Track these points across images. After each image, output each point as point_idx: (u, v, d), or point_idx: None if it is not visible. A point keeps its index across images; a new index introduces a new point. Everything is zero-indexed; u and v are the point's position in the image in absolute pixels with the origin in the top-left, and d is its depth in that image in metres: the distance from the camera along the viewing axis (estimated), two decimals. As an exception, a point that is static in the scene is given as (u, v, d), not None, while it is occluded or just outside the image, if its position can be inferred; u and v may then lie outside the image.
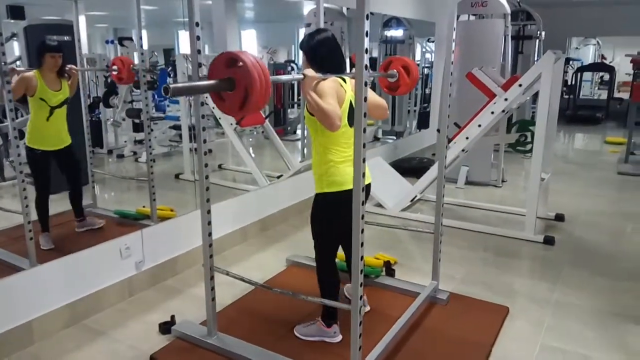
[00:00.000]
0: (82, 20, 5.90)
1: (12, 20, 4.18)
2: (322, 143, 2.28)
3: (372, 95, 2.44)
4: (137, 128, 6.74)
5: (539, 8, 7.88)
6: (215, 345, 2.37)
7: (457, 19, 5.44)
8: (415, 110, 8.81)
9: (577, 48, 13.92)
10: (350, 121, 2.28)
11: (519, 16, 7.28)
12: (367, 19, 1.69)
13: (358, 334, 1.96)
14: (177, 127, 7.01)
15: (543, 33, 7.31)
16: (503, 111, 3.97)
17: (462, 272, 3.39)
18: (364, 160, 1.80)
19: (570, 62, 11.84)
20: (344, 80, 2.30)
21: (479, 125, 4.01)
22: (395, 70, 2.83)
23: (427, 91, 8.90)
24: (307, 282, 2.77)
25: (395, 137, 7.97)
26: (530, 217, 3.90)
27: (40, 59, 3.28)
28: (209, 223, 2.31)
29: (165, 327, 2.56)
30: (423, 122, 8.55)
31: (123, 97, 7.55)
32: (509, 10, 5.26)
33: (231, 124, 5.30)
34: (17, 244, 2.81)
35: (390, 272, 3.28)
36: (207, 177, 2.24)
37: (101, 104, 6.44)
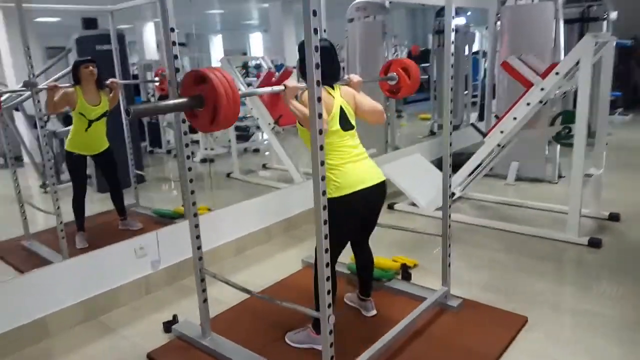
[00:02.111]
0: (150, 26, 6.23)
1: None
2: None
3: (364, 100, 2.40)
4: (193, 129, 7.05)
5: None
6: (207, 347, 2.41)
7: (504, 4, 5.12)
8: (474, 103, 8.40)
9: None
10: (343, 125, 2.26)
11: (584, -3, 6.65)
12: (315, 15, 1.61)
13: (329, 343, 1.89)
14: (237, 128, 7.23)
15: (614, 13, 6.62)
16: (540, 102, 3.65)
17: (486, 277, 3.17)
18: (322, 163, 1.72)
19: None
20: (332, 87, 2.29)
21: (514, 118, 3.72)
22: (394, 73, 2.77)
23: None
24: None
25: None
26: (573, 217, 3.55)
27: (77, 73, 3.51)
28: (196, 226, 2.34)
29: (168, 326, 2.63)
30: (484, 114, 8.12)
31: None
32: (559, -9, 4.83)
33: (269, 124, 5.36)
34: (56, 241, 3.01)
35: (406, 275, 3.14)
36: (191, 181, 2.27)
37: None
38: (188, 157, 2.25)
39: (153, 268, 3.11)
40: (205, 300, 2.43)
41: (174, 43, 2.12)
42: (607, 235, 3.69)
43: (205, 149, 6.82)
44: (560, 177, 5.24)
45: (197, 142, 6.90)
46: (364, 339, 2.38)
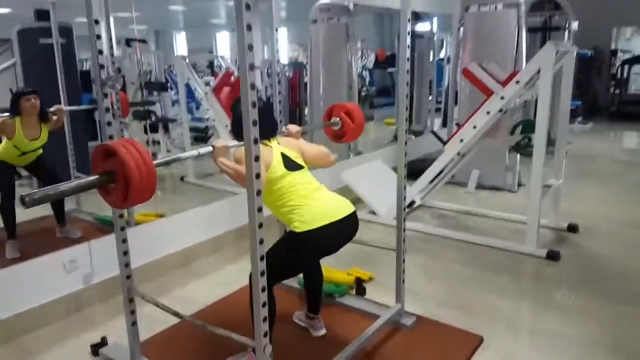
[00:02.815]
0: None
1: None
2: (272, 202, 2.10)
3: (308, 146, 2.31)
4: (153, 129, 6.74)
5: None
6: (136, 374, 2.18)
7: (467, 10, 5.05)
8: (438, 109, 8.37)
9: (628, 39, 12.86)
10: (288, 167, 2.11)
11: (545, 6, 6.69)
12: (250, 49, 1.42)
13: (264, 374, 1.70)
14: (195, 129, 6.94)
15: (575, 23, 6.68)
16: (501, 110, 3.56)
17: (443, 291, 3.04)
18: (260, 226, 1.54)
19: (618, 54, 10.96)
20: (269, 140, 2.15)
21: (474, 127, 3.62)
22: (337, 118, 2.63)
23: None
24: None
25: (414, 137, 7.57)
26: (532, 228, 3.47)
27: (17, 105, 3.23)
28: (124, 240, 2.11)
29: (96, 350, 2.39)
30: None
31: (131, 99, 7.57)
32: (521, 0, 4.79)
33: (226, 126, 5.15)
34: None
35: (360, 290, 2.98)
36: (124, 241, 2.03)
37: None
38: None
39: (85, 282, 2.84)
40: (134, 323, 2.19)
41: (98, 37, 1.89)
42: (566, 247, 3.63)
43: (168, 150, 6.54)
44: (520, 185, 5.21)
45: (158, 142, 6.61)
46: (311, 361, 2.20)
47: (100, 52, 1.90)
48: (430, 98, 8.36)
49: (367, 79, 13.41)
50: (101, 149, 1.53)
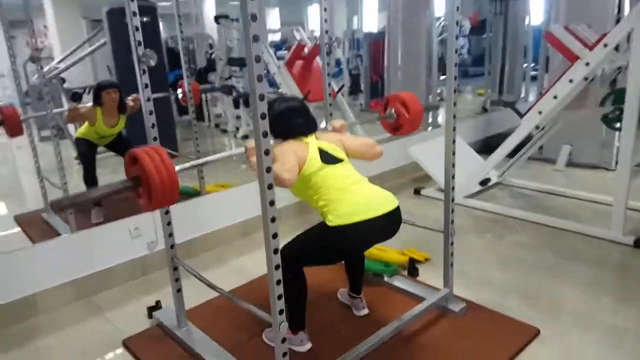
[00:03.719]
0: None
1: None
2: (310, 196, 2.06)
3: (352, 140, 2.22)
4: (237, 104, 6.98)
5: None
6: (180, 338, 2.29)
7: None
8: (535, 77, 7.68)
9: None
10: (326, 161, 2.05)
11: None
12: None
13: (281, 352, 1.69)
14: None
15: None
16: (586, 79, 3.15)
17: (506, 278, 2.82)
18: (272, 220, 1.52)
19: None
20: (305, 135, 2.11)
21: (555, 97, 3.25)
22: (392, 110, 2.47)
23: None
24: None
25: (503, 109, 7.05)
26: (619, 212, 3.08)
27: (98, 97, 3.50)
28: (167, 212, 2.20)
29: (151, 312, 2.55)
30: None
31: (220, 74, 7.85)
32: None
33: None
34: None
35: (413, 271, 2.86)
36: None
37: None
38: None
39: (149, 249, 3.02)
40: (179, 290, 2.30)
41: (134, 14, 1.94)
42: (661, 235, 3.18)
43: (248, 124, 6.75)
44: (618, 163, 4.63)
45: (239, 117, 6.85)
46: (348, 340, 2.16)
47: (137, 28, 1.95)
48: (525, 66, 7.71)
49: (465, 47, 12.68)
50: (129, 156, 1.62)
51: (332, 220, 1.93)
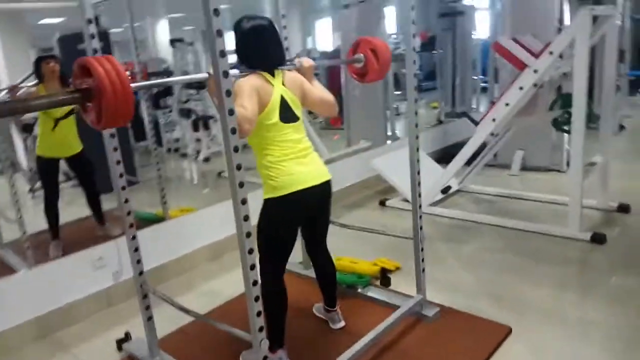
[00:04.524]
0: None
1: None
2: (256, 145, 2.03)
3: (314, 89, 2.14)
4: (196, 127, 6.91)
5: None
6: (153, 368, 2.22)
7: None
8: (486, 89, 7.99)
9: None
10: (285, 117, 2.00)
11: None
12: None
13: (263, 370, 1.67)
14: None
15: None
16: (535, 85, 3.32)
17: (473, 279, 2.89)
18: (238, 167, 1.50)
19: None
20: (273, 74, 2.01)
21: (507, 104, 3.40)
22: (361, 55, 2.45)
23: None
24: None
25: (458, 119, 7.28)
26: (574, 210, 3.23)
27: (39, 70, 3.36)
28: (134, 237, 2.14)
29: (120, 345, 2.45)
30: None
31: (177, 97, 7.76)
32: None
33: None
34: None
35: (385, 281, 2.89)
36: (123, 188, 2.07)
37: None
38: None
39: (114, 279, 2.93)
40: (150, 319, 2.23)
41: (92, 36, 1.91)
42: (614, 229, 3.35)
43: (208, 147, 6.69)
44: (569, 165, 4.85)
45: (199, 140, 6.78)
46: (327, 355, 2.15)
47: (95, 51, 1.92)
48: (475, 78, 8.01)
49: (417, 62, 13.05)
50: (78, 65, 1.48)
51: (269, 192, 1.98)
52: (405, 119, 8.07)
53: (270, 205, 2.02)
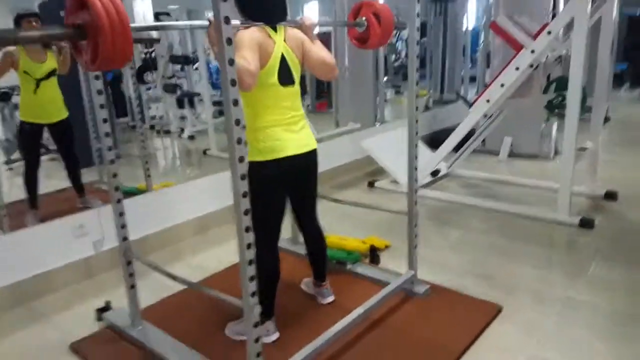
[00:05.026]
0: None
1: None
2: (249, 104, 1.95)
3: (314, 49, 2.05)
4: (181, 104, 6.75)
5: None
6: (135, 338, 2.13)
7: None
8: (474, 77, 7.98)
9: None
10: (283, 79, 1.92)
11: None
12: None
13: (254, 337, 1.61)
14: (217, 103, 6.90)
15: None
16: (531, 66, 3.29)
17: (463, 260, 2.87)
18: (237, 122, 1.42)
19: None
20: (275, 29, 1.91)
21: (502, 85, 3.36)
22: (363, 18, 2.36)
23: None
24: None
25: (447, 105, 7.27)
26: (564, 194, 3.22)
27: (19, 27, 3.20)
28: (119, 201, 2.05)
29: (100, 314, 2.36)
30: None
31: (162, 72, 7.57)
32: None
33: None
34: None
35: (374, 258, 2.85)
36: (112, 162, 1.96)
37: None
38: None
39: (95, 249, 2.83)
40: (133, 286, 2.15)
41: None
42: (602, 215, 3.37)
43: (193, 125, 6.55)
44: (557, 153, 4.89)
45: (184, 118, 6.63)
46: (316, 328, 2.08)
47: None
48: (464, 66, 7.99)
49: (404, 50, 12.98)
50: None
51: (255, 155, 1.93)
52: (392, 105, 8.05)
53: (253, 168, 1.93)
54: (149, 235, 3.10)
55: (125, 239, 2.09)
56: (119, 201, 2.04)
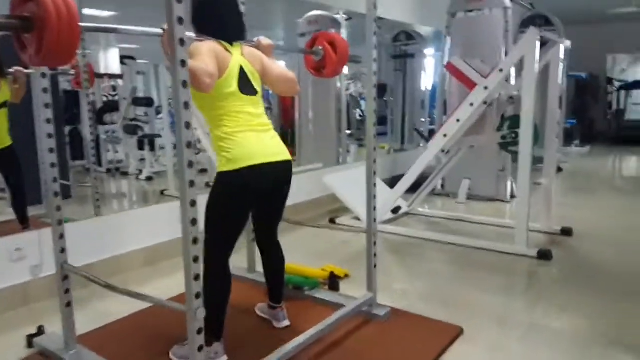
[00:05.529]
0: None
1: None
2: (212, 117, 1.89)
3: (274, 66, 2.06)
4: (142, 145, 6.63)
5: (576, 25, 7.32)
6: (67, 362, 1.93)
7: (454, 16, 5.00)
8: (433, 130, 8.23)
9: (623, 70, 12.60)
10: (243, 88, 1.89)
11: (537, 22, 6.66)
12: None
13: (196, 346, 1.47)
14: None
15: (567, 42, 6.65)
16: (485, 103, 3.41)
17: (424, 288, 2.80)
18: (187, 125, 1.37)
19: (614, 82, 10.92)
20: (231, 44, 1.92)
21: (458, 120, 3.45)
22: (320, 47, 2.43)
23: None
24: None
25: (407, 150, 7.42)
26: (522, 227, 3.25)
27: None
28: (59, 208, 1.91)
29: (31, 340, 2.14)
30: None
31: (123, 114, 7.49)
32: (509, 3, 4.72)
33: (207, 133, 5.01)
34: None
35: (334, 284, 2.74)
36: (55, 180, 1.86)
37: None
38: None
39: (33, 274, 2.62)
40: (69, 304, 1.97)
41: None
42: (559, 248, 3.39)
43: (152, 166, 6.41)
44: (513, 197, 4.99)
45: (143, 159, 6.48)
46: (267, 353, 1.93)
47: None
48: (422, 121, 8.26)
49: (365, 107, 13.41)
50: None
51: (223, 165, 1.83)
52: (354, 157, 8.16)
53: (222, 179, 1.86)
54: (94, 263, 2.90)
55: (63, 250, 1.94)
56: (58, 209, 1.90)
